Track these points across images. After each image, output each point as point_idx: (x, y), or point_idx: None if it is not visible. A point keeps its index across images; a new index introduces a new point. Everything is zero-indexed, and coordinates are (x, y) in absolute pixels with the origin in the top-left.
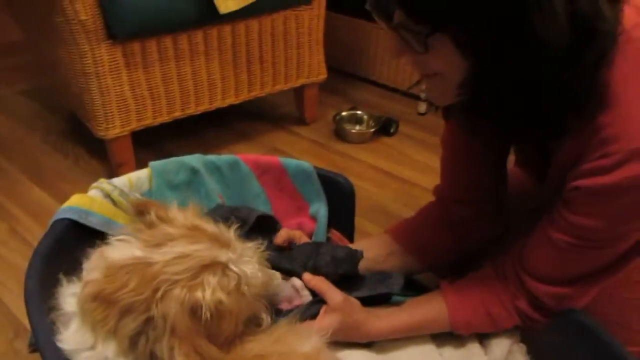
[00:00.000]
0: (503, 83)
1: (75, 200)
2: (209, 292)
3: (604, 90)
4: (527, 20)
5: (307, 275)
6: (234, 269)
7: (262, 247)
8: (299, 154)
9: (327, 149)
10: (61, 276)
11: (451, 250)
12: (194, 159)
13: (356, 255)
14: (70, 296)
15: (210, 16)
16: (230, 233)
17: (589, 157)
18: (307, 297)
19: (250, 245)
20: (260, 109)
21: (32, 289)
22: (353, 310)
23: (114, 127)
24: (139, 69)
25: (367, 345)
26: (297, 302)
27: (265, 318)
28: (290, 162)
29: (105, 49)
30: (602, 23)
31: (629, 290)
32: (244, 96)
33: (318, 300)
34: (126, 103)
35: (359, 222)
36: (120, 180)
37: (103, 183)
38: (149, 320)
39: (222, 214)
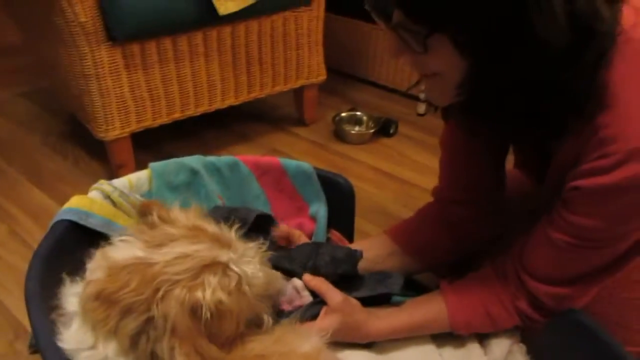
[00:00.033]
0: (502, 83)
1: (75, 202)
2: (209, 292)
3: (603, 90)
4: (527, 20)
5: (307, 276)
6: (235, 269)
7: (264, 247)
8: (298, 155)
9: (327, 149)
10: (64, 276)
11: (450, 250)
12: (194, 160)
13: (355, 256)
14: (72, 296)
15: (210, 17)
16: (232, 233)
17: (588, 158)
18: (307, 297)
19: (252, 245)
20: (259, 110)
21: (32, 290)
22: (353, 311)
23: (113, 128)
24: (138, 71)
25: (367, 345)
26: (297, 302)
27: (267, 319)
28: (290, 162)
29: (105, 51)
30: (601, 23)
31: (629, 290)
32: (244, 97)
33: (318, 301)
34: (126, 104)
35: (359, 222)
36: (120, 182)
37: (103, 184)
38: (149, 320)
39: (222, 214)
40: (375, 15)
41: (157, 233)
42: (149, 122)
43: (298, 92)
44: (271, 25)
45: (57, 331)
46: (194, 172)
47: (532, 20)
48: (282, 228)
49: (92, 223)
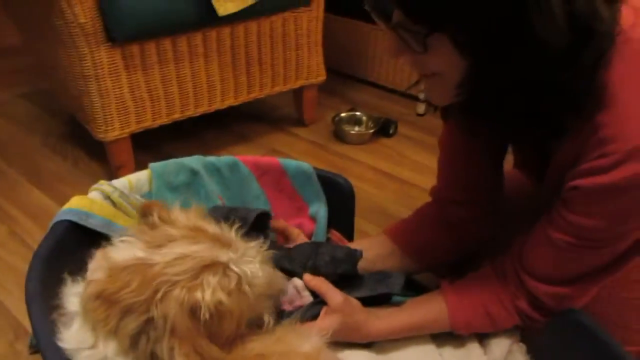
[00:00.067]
0: (502, 83)
1: (75, 202)
2: (209, 292)
3: (602, 90)
4: (526, 21)
5: (307, 276)
6: (235, 269)
7: (265, 247)
8: (298, 155)
9: (326, 150)
10: (66, 276)
11: (449, 250)
12: (194, 161)
13: (355, 255)
14: (73, 296)
15: (209, 18)
16: (232, 233)
17: (588, 157)
18: (307, 297)
19: (253, 244)
20: (259, 111)
21: (33, 291)
22: (353, 311)
23: (113, 129)
24: (138, 72)
25: (368, 345)
26: (298, 302)
27: (268, 319)
28: (290, 163)
29: (104, 52)
30: (600, 24)
31: (628, 289)
32: (243, 98)
33: (319, 301)
34: (125, 105)
35: (359, 222)
36: (120, 182)
37: (103, 185)
38: (149, 321)
39: (222, 214)
40: (375, 16)
41: (158, 234)
42: (148, 123)
43: (297, 93)
44: (270, 26)
45: (57, 331)
46: (193, 173)
47: (531, 20)
48: (281, 222)
49: (92, 223)
